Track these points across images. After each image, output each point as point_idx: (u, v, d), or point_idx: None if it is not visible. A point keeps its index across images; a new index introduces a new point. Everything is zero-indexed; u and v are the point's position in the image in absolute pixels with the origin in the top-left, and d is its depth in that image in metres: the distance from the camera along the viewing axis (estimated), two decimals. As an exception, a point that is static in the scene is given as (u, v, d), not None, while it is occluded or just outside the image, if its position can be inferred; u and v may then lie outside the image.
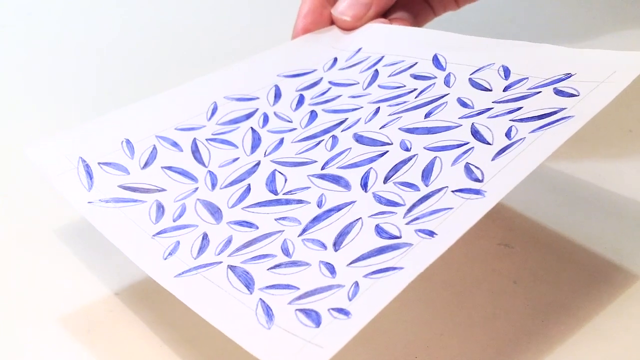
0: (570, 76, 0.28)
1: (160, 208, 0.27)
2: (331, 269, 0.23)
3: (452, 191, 0.24)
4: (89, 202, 0.27)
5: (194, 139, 0.31)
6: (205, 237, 0.26)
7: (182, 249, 0.25)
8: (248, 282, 0.23)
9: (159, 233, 0.26)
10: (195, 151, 0.30)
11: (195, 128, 0.32)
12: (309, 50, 0.37)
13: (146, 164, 0.29)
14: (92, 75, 0.47)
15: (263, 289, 0.23)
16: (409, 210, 0.24)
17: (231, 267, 0.24)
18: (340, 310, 0.21)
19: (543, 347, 0.23)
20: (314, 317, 0.21)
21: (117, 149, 0.30)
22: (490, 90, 0.29)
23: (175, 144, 0.31)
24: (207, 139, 0.31)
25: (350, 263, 0.23)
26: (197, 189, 0.28)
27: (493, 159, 0.25)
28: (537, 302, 0.25)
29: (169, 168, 0.29)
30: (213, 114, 0.33)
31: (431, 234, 0.23)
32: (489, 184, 0.24)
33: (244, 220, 0.26)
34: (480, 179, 0.24)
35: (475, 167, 0.25)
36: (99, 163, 0.29)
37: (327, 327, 0.20)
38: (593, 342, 0.23)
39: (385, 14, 0.39)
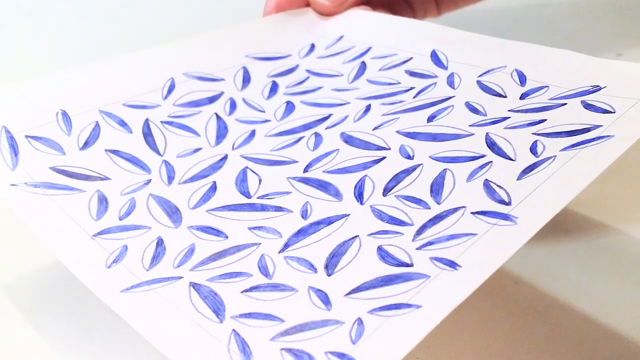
0: (599, 89, 0.24)
1: (104, 201, 0.22)
2: (324, 299, 0.18)
3: (472, 213, 0.20)
4: (11, 185, 0.22)
5: (147, 119, 0.26)
6: (160, 243, 0.21)
7: (130, 256, 0.20)
8: (217, 307, 0.18)
9: (101, 233, 0.21)
10: (148, 134, 0.25)
11: (148, 106, 0.26)
12: (282, 30, 0.32)
13: (86, 144, 0.24)
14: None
15: (236, 317, 0.18)
16: (419, 231, 0.20)
17: (194, 286, 0.19)
18: (342, 356, 0.16)
19: (544, 348, 0.23)
20: None
21: (51, 121, 0.24)
22: (505, 96, 0.25)
23: (123, 123, 0.25)
24: (162, 122, 0.26)
25: (349, 293, 0.18)
26: (149, 181, 0.23)
27: (519, 179, 0.21)
28: (538, 303, 0.25)
29: (115, 152, 0.24)
30: (170, 92, 0.27)
31: (452, 265, 0.18)
32: (519, 208, 0.20)
33: (209, 226, 0.21)
34: (507, 201, 0.20)
35: (498, 186, 0.21)
36: (27, 136, 0.23)
37: None
38: (595, 342, 0.23)
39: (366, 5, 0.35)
